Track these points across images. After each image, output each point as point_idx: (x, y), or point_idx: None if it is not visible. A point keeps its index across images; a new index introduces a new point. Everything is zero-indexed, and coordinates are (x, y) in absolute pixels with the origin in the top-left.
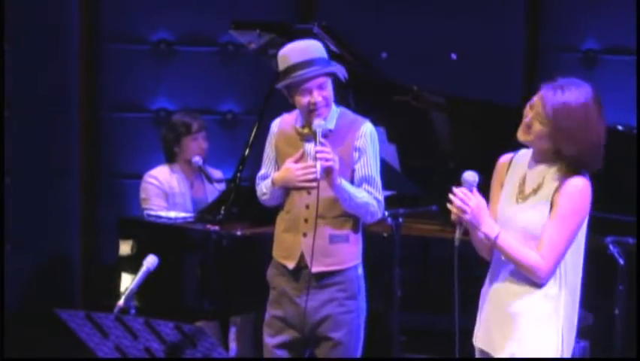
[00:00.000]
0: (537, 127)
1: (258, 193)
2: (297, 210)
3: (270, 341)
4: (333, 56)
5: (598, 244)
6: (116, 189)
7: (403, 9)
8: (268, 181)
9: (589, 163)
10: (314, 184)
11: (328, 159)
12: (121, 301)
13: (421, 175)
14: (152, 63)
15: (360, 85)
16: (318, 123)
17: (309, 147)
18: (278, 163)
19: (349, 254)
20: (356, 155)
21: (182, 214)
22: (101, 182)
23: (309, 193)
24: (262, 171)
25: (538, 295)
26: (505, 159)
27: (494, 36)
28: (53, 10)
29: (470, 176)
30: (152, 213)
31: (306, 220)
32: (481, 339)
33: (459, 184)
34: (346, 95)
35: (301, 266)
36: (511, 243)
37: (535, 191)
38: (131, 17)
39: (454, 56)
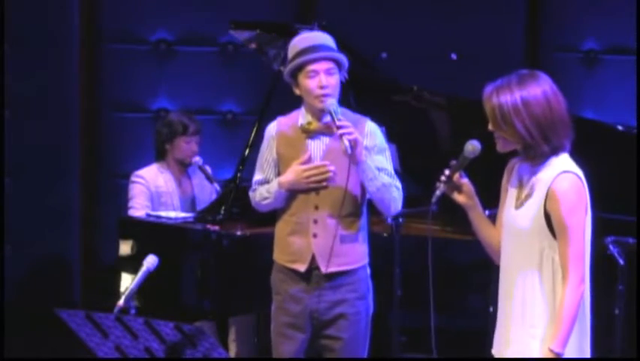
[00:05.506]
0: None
1: (257, 198)
2: (304, 213)
3: (284, 349)
4: None
5: (598, 244)
6: (116, 189)
7: (403, 9)
8: (273, 185)
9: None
10: (324, 184)
11: (352, 132)
12: (121, 301)
13: (421, 175)
14: (152, 63)
15: (360, 85)
16: (330, 102)
17: (315, 145)
18: (280, 167)
19: (359, 253)
20: (365, 153)
21: (182, 214)
22: (101, 182)
23: (317, 194)
24: (259, 177)
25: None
26: (510, 164)
27: (494, 36)
28: (53, 10)
29: (469, 146)
30: (134, 210)
31: (315, 221)
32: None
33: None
34: (346, 95)
35: (312, 268)
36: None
37: (528, 195)
38: (131, 17)
39: (454, 56)
